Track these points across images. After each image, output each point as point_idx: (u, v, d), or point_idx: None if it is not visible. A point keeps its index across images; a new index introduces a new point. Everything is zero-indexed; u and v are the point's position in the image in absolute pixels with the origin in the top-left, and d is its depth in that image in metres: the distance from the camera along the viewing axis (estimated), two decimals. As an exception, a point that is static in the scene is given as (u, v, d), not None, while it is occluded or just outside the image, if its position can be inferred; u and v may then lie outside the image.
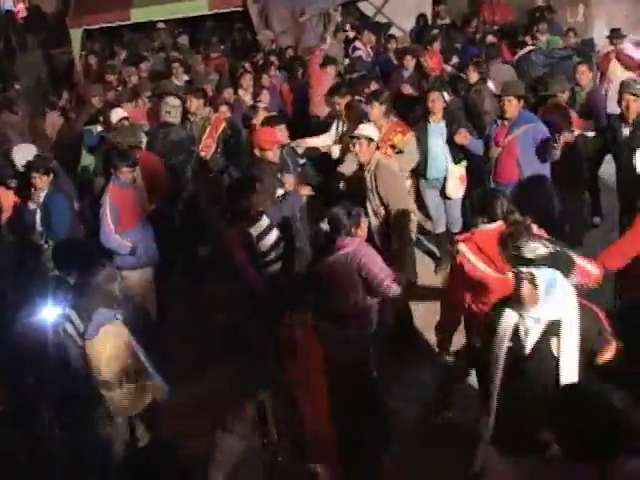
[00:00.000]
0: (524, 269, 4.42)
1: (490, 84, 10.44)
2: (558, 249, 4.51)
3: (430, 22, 16.75)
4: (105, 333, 5.76)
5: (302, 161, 9.01)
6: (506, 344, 4.56)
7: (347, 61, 13.84)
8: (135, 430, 6.23)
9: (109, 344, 5.76)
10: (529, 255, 4.41)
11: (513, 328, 4.56)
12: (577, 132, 8.82)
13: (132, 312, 6.31)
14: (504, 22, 14.91)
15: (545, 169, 8.05)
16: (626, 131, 8.09)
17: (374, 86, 10.10)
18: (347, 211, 6.32)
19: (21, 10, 23.60)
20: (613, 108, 11.61)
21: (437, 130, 8.89)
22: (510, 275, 4.57)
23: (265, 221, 7.07)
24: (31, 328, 5.77)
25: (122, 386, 5.82)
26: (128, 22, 18.33)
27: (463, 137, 8.67)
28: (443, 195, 9.07)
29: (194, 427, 6.17)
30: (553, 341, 4.47)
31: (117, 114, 9.64)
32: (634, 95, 7.98)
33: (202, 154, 9.73)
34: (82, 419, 5.91)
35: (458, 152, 8.88)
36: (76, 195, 9.20)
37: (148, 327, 7.21)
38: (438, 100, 8.88)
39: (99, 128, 10.12)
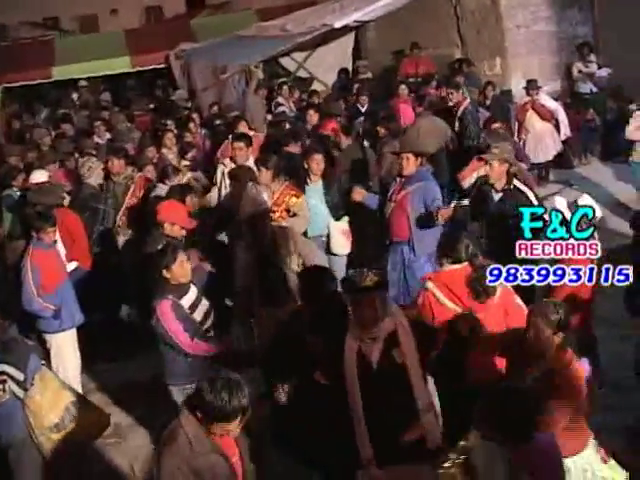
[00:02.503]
0: (367, 294, 4.79)
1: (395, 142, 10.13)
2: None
3: (351, 76, 17.04)
4: (41, 379, 5.93)
5: None
6: (354, 369, 4.88)
7: (270, 117, 13.96)
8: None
9: (49, 388, 5.92)
10: (369, 283, 4.77)
11: (357, 352, 4.89)
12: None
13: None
14: (427, 75, 15.12)
15: (434, 229, 7.78)
16: (496, 197, 7.69)
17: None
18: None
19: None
20: (532, 158, 12.07)
21: (315, 190, 8.98)
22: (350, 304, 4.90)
23: (194, 291, 6.61)
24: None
25: (72, 422, 5.94)
26: (50, 80, 18.30)
27: (358, 194, 8.70)
28: (328, 251, 8.98)
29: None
30: (394, 350, 4.89)
31: (37, 176, 9.50)
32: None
33: (125, 214, 9.62)
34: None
35: (338, 209, 8.98)
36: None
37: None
38: (320, 162, 8.98)
39: (17, 192, 9.95)
